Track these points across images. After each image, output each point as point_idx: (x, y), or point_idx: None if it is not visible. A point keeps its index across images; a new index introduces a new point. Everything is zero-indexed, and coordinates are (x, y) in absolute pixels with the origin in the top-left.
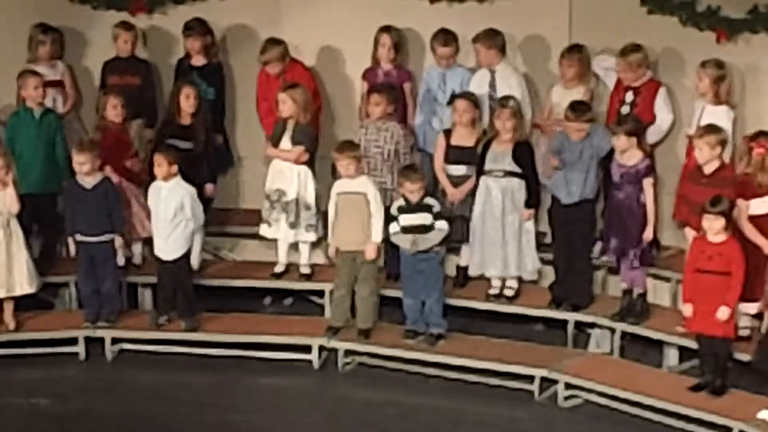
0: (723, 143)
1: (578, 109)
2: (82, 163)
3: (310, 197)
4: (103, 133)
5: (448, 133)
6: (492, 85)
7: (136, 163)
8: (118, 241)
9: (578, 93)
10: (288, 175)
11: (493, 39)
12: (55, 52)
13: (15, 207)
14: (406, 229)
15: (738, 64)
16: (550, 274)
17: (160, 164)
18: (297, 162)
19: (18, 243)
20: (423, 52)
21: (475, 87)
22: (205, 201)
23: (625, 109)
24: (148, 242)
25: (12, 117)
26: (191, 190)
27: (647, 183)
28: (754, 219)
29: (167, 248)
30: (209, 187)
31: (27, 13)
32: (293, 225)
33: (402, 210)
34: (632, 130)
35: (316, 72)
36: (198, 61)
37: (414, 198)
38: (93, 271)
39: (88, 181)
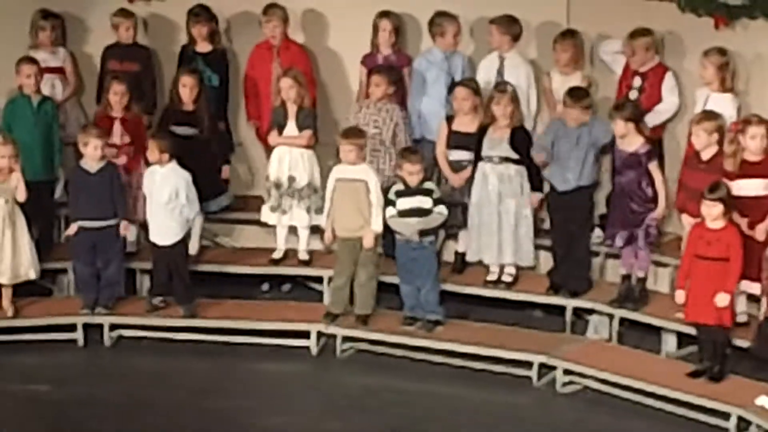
0: (720, 130)
1: (575, 94)
2: (101, 147)
3: (317, 180)
4: (96, 118)
5: (450, 119)
6: (500, 71)
7: (115, 154)
8: (124, 226)
9: (575, 79)
10: (299, 162)
11: (509, 26)
12: (56, 38)
13: (22, 195)
14: (403, 213)
15: (736, 50)
16: (548, 261)
17: (152, 151)
18: (307, 146)
19: (22, 230)
20: (421, 37)
21: (483, 72)
22: (223, 182)
23: (633, 95)
24: (144, 228)
25: (9, 104)
26: (186, 177)
27: (653, 167)
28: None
29: (162, 233)
30: (225, 169)
31: None
32: (309, 209)
33: (400, 194)
34: (629, 116)
35: (313, 56)
36: (203, 47)
37: (413, 180)
38: (93, 256)
39: (92, 166)
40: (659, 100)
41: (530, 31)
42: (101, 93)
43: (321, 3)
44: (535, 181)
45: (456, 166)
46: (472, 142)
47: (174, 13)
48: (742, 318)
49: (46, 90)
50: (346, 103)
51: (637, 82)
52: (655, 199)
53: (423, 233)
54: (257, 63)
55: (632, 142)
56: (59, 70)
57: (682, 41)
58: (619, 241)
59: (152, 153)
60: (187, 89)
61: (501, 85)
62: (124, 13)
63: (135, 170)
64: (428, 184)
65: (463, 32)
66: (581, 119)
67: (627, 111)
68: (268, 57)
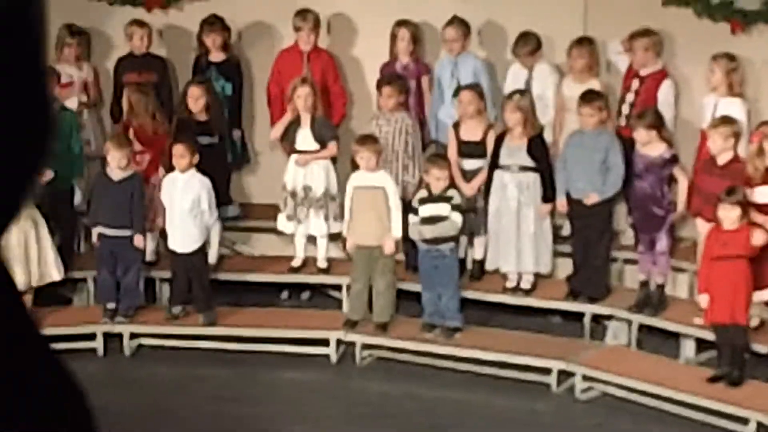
0: (736, 135)
1: (588, 97)
2: (119, 159)
3: (334, 188)
4: (120, 127)
5: (456, 126)
6: (528, 82)
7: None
8: (138, 239)
9: (590, 86)
10: (315, 171)
11: (526, 44)
12: (81, 53)
13: None
14: (424, 221)
15: (753, 56)
16: (566, 267)
17: (183, 155)
18: (330, 157)
19: (43, 231)
20: (438, 46)
21: (511, 82)
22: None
23: (629, 97)
24: (163, 236)
25: None
26: (207, 183)
27: (678, 170)
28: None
29: (183, 241)
30: None
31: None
32: (327, 217)
33: (422, 201)
34: (651, 123)
35: (339, 64)
36: (217, 57)
37: (438, 186)
38: (113, 264)
39: (116, 174)
40: (654, 105)
41: (547, 37)
42: (117, 103)
43: (341, 15)
44: (548, 191)
45: (470, 175)
46: (481, 150)
47: (187, 22)
48: (754, 322)
49: (72, 104)
50: (366, 113)
51: (634, 84)
52: (674, 202)
53: (441, 240)
54: (285, 68)
55: (656, 147)
56: (84, 85)
57: (697, 47)
58: (640, 247)
59: (182, 158)
60: (192, 100)
61: (512, 93)
62: (138, 23)
63: (152, 178)
64: (451, 191)
65: (476, 39)
66: (598, 122)
67: (648, 119)
68: (298, 62)
